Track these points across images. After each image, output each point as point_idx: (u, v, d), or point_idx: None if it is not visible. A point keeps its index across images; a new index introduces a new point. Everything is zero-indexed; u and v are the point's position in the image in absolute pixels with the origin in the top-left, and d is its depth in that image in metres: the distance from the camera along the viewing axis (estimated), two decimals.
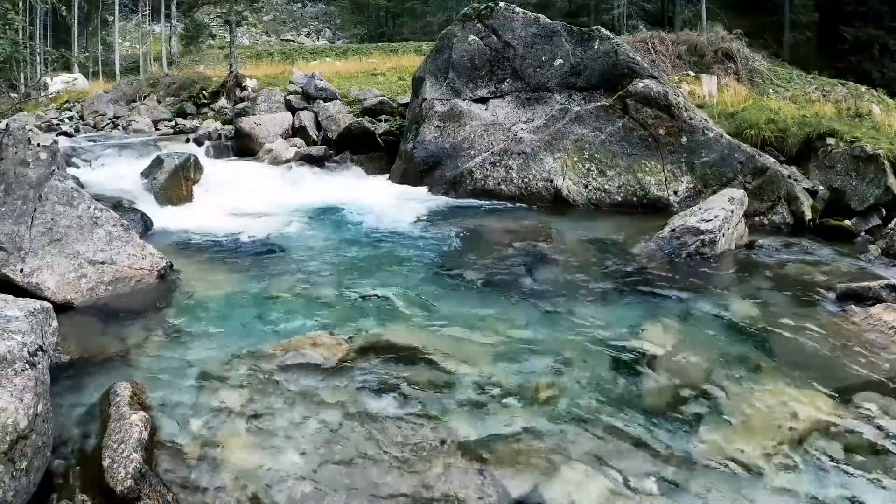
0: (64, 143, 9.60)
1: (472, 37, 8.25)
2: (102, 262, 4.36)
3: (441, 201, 7.42)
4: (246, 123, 9.90)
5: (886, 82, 17.43)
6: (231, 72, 15.31)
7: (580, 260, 5.22)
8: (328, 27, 42.15)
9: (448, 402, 3.00)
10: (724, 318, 4.04)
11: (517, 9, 8.31)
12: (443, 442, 2.68)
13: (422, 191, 7.77)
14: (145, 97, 14.71)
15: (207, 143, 9.78)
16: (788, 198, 6.60)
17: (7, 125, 9.36)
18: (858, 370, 3.40)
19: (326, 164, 8.95)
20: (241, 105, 12.05)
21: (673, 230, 5.46)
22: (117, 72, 24.99)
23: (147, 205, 6.41)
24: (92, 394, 2.96)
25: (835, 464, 2.63)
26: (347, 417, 2.84)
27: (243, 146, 9.66)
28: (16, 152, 4.39)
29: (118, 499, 2.24)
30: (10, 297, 2.74)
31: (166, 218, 6.29)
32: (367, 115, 10.42)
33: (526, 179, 7.42)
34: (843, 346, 3.69)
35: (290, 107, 10.77)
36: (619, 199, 7.10)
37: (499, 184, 7.51)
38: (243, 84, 13.82)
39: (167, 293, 4.37)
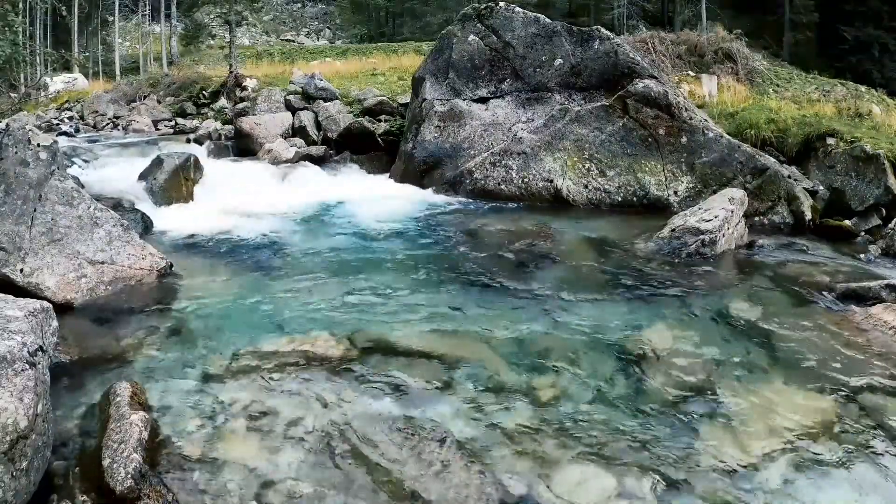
0: (64, 143, 9.60)
1: (472, 37, 8.25)
2: (102, 262, 4.36)
3: (441, 201, 7.42)
4: (246, 123, 9.90)
5: (886, 82, 17.43)
6: (231, 72, 15.30)
7: (580, 260, 5.22)
8: (328, 27, 42.15)
9: (448, 401, 3.00)
10: (724, 318, 4.04)
11: (517, 9, 8.31)
12: (443, 441, 2.68)
13: (422, 191, 7.77)
14: (145, 97, 14.70)
15: (207, 142, 9.78)
16: (788, 198, 6.60)
17: (7, 125, 9.37)
18: (858, 370, 3.39)
19: (326, 164, 8.95)
20: (241, 105, 12.03)
21: (673, 230, 5.46)
22: (117, 72, 24.98)
23: (147, 205, 6.41)
24: (92, 394, 2.96)
25: (835, 464, 2.63)
26: (347, 417, 2.84)
27: (243, 146, 9.66)
28: (16, 152, 4.39)
29: (118, 499, 2.24)
30: (10, 297, 2.73)
31: (166, 218, 6.28)
32: (367, 115, 10.42)
33: (526, 179, 7.42)
34: (843, 346, 3.68)
35: (290, 107, 10.76)
36: (619, 199, 7.10)
37: (499, 184, 7.51)
38: (243, 84, 13.81)
39: (167, 293, 4.37)
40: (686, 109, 7.28)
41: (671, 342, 3.67)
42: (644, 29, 18.94)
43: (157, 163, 7.10)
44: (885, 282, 4.34)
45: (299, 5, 44.15)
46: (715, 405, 3.03)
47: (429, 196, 7.62)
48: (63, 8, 20.18)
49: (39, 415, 2.22)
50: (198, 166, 7.38)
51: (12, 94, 17.28)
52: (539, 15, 8.29)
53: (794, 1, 24.56)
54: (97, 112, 13.82)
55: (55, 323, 2.69)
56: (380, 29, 35.24)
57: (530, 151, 7.51)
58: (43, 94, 18.18)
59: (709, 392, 3.14)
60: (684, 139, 7.13)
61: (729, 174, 6.86)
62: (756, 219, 6.48)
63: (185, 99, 14.48)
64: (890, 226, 6.03)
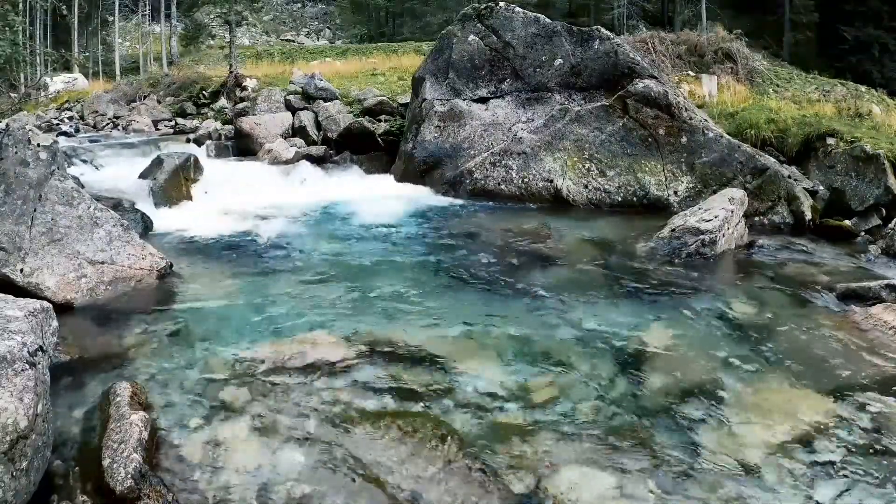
0: (64, 143, 9.60)
1: (472, 37, 8.25)
2: (102, 262, 4.36)
3: (441, 201, 7.43)
4: (246, 123, 9.89)
5: (886, 82, 17.42)
6: (231, 72, 15.29)
7: (580, 260, 5.22)
8: (328, 27, 42.14)
9: (448, 401, 3.00)
10: (724, 318, 4.04)
11: (517, 9, 8.31)
12: (443, 441, 2.68)
13: (422, 191, 7.78)
14: (145, 97, 14.69)
15: (207, 143, 9.77)
16: (788, 198, 6.60)
17: (7, 125, 9.38)
18: (858, 370, 3.39)
19: (326, 164, 8.94)
20: (241, 105, 12.03)
21: (673, 230, 5.46)
22: (117, 72, 24.97)
23: (147, 205, 6.40)
24: (92, 394, 2.97)
25: (835, 464, 2.63)
26: (348, 417, 2.84)
27: (243, 146, 9.65)
28: (16, 152, 4.39)
29: (118, 499, 2.24)
30: (10, 297, 2.73)
31: (166, 218, 6.29)
32: (367, 115, 10.42)
33: (526, 179, 7.42)
34: (843, 346, 3.68)
35: (290, 107, 10.76)
36: (619, 199, 7.10)
37: (499, 184, 7.51)
38: (243, 84, 13.80)
39: (167, 293, 4.37)
40: (686, 109, 7.28)
41: (671, 342, 3.67)
42: (644, 29, 18.94)
43: (157, 163, 7.10)
44: (885, 282, 4.34)
45: (299, 5, 44.14)
46: (715, 405, 3.03)
47: (429, 196, 7.62)
48: (63, 8, 20.20)
49: (39, 415, 2.22)
50: (198, 166, 7.39)
51: (12, 94, 17.28)
52: (539, 15, 8.29)
53: (794, 1, 24.55)
54: (97, 112, 13.81)
55: (55, 323, 2.69)
56: (380, 29, 35.22)
57: (530, 151, 7.51)
58: (43, 94, 18.17)
59: (708, 392, 3.14)
60: (684, 139, 7.13)
61: (729, 174, 6.86)
62: (756, 219, 6.48)
63: (185, 99, 14.47)
64: (890, 226, 6.03)
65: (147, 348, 3.48)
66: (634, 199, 7.06)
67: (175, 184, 6.97)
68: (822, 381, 3.26)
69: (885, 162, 6.88)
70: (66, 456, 2.54)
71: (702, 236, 5.29)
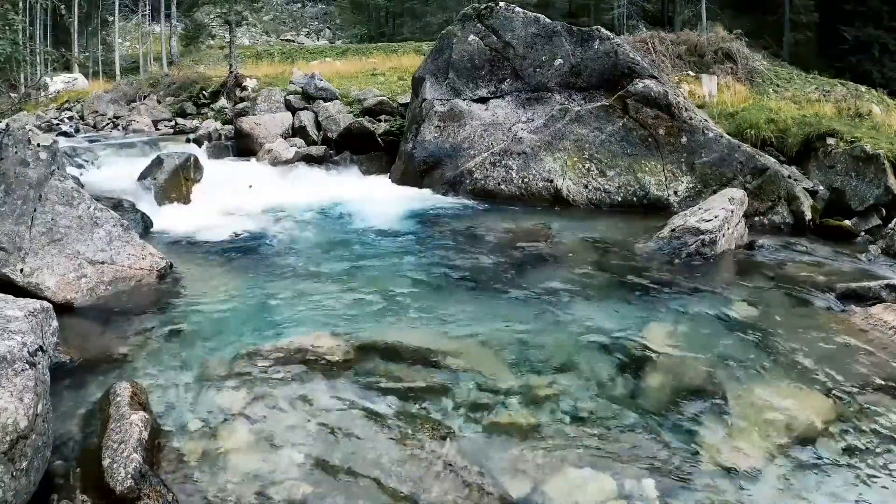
0: (64, 143, 9.60)
1: (472, 37, 8.26)
2: (102, 262, 4.36)
3: (441, 201, 7.43)
4: (246, 123, 9.89)
5: (886, 82, 17.41)
6: (231, 72, 15.28)
7: (580, 260, 5.22)
8: (328, 27, 42.13)
9: (448, 401, 2.99)
10: (724, 319, 4.04)
11: (517, 9, 8.32)
12: (443, 441, 2.68)
13: (422, 191, 7.78)
14: (145, 97, 14.68)
15: (207, 143, 9.77)
16: (788, 198, 6.60)
17: (7, 125, 9.37)
18: (858, 370, 3.39)
19: (326, 164, 8.95)
20: (241, 105, 12.02)
21: (673, 230, 5.47)
22: (117, 72, 24.95)
23: (147, 205, 6.40)
24: (92, 394, 2.96)
25: (835, 464, 2.63)
26: (347, 417, 2.84)
27: (243, 146, 9.65)
28: (16, 152, 4.39)
29: (118, 499, 2.24)
30: (10, 297, 2.73)
31: (166, 218, 6.29)
32: (367, 115, 10.42)
33: (526, 179, 7.42)
34: (843, 346, 3.68)
35: (290, 107, 10.76)
36: (619, 199, 7.10)
37: (499, 184, 7.51)
38: (243, 84, 13.79)
39: (167, 293, 4.37)
40: (686, 109, 7.28)
41: (671, 342, 3.67)
42: (644, 29, 18.93)
43: (157, 163, 7.10)
44: (885, 282, 4.34)
45: (299, 5, 44.13)
46: (714, 405, 3.03)
47: (429, 196, 7.62)
48: (63, 7, 20.16)
49: (39, 415, 2.22)
50: (198, 166, 7.39)
51: (12, 94, 17.27)
52: (539, 15, 8.30)
53: (794, 1, 24.54)
54: (97, 112, 13.80)
55: (55, 323, 2.69)
56: (380, 29, 35.20)
57: (530, 151, 7.51)
58: (43, 94, 18.15)
59: (708, 392, 3.14)
60: (684, 139, 7.13)
61: (729, 174, 6.86)
62: (756, 219, 6.48)
63: (185, 99, 14.45)
64: (890, 226, 6.03)
65: (147, 348, 3.48)
66: (634, 199, 7.06)
67: (175, 184, 6.97)
68: (822, 381, 3.26)
69: (885, 162, 6.89)
70: (66, 456, 2.54)
71: (702, 236, 5.29)
